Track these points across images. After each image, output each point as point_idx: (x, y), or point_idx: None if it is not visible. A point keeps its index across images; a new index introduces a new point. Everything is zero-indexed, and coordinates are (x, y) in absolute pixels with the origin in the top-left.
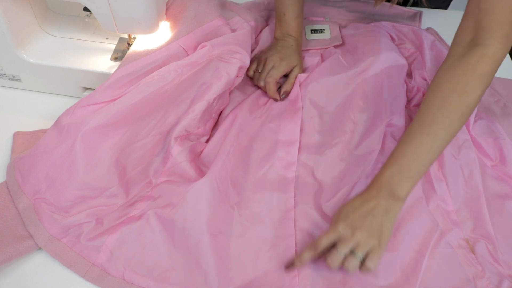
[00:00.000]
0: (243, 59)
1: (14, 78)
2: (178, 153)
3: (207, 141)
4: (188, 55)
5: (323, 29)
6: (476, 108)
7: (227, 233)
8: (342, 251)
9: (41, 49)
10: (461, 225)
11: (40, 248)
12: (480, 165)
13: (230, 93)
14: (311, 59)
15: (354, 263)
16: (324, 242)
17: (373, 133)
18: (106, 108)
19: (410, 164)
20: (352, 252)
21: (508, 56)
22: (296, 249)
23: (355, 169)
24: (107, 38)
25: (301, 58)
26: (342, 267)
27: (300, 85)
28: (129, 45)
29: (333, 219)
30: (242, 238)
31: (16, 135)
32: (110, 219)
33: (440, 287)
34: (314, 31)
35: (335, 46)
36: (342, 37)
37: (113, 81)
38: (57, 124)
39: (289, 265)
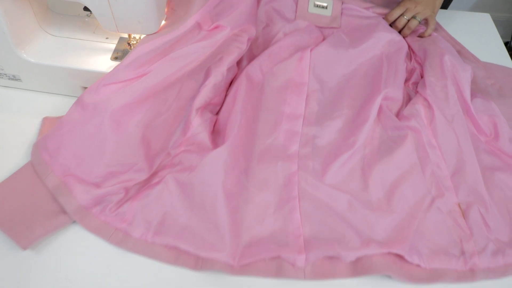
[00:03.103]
0: (251, 32)
1: (14, 78)
2: (199, 125)
3: (217, 112)
4: (202, 29)
5: (326, 6)
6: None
7: (237, 197)
8: (406, 16)
9: (41, 49)
10: (454, 190)
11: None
12: (473, 139)
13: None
14: (314, 35)
15: (414, 22)
16: (396, 13)
17: (372, 104)
18: (130, 87)
19: None
20: (413, 17)
21: (508, 56)
22: (300, 211)
23: (353, 137)
24: (107, 38)
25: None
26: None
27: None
28: (129, 44)
29: None
30: (248, 203)
31: (45, 119)
32: (135, 188)
33: (428, 248)
34: (317, 5)
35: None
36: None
37: (134, 59)
38: (79, 102)
39: None
